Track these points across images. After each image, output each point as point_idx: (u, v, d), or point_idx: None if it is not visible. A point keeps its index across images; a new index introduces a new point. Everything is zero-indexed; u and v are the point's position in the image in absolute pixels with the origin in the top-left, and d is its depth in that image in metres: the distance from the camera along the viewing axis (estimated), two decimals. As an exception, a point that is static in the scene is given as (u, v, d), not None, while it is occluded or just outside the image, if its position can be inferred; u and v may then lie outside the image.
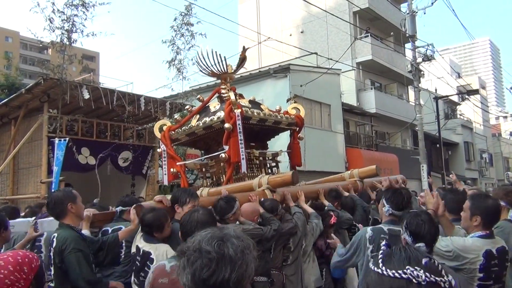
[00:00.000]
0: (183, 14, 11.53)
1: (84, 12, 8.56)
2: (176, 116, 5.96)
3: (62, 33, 8.53)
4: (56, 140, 7.39)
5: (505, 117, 66.43)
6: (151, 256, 3.13)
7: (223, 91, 5.78)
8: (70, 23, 8.50)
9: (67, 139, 7.73)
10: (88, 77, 21.92)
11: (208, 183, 5.76)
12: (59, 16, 8.46)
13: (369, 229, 3.45)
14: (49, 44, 8.65)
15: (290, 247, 4.22)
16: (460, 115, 35.62)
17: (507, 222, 3.50)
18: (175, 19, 11.69)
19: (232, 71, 5.94)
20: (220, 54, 5.72)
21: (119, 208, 4.21)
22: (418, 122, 17.29)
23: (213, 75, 5.93)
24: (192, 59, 11.90)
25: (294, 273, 4.23)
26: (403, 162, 20.93)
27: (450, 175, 6.84)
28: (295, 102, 6.65)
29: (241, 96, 5.87)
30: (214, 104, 5.82)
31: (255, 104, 5.95)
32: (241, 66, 6.02)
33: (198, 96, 6.33)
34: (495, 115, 56.56)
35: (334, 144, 18.79)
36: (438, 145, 24.52)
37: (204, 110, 5.82)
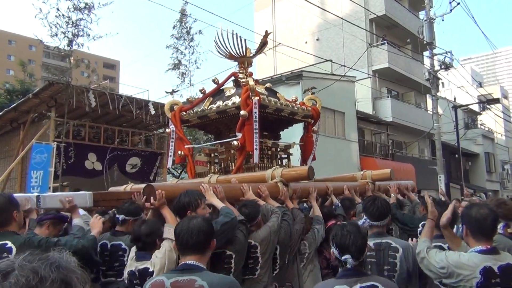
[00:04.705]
0: (179, 20, 11.53)
1: (88, 15, 8.52)
2: (188, 97, 5.75)
3: (67, 37, 8.49)
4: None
5: (529, 127, 64.66)
6: (150, 271, 2.90)
7: (240, 75, 5.58)
8: (75, 27, 8.45)
9: (53, 144, 7.65)
10: (105, 84, 22.15)
11: (216, 169, 5.57)
12: (66, 21, 8.43)
13: None
14: (54, 49, 8.64)
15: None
16: (481, 125, 34.71)
17: (502, 237, 3.18)
18: (174, 27, 11.70)
19: (251, 54, 5.75)
20: (240, 37, 5.50)
21: (121, 217, 3.70)
22: (436, 132, 16.84)
23: (231, 57, 5.72)
24: (195, 62, 11.89)
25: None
26: (420, 172, 20.39)
27: (465, 189, 6.55)
28: (312, 93, 6.32)
29: (257, 82, 5.63)
30: (229, 88, 5.63)
31: (271, 91, 5.75)
32: (261, 50, 5.81)
33: (214, 77, 6.07)
34: (518, 125, 55.02)
35: (348, 153, 18.42)
36: (457, 156, 23.88)
37: (218, 93, 5.63)
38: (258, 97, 4.92)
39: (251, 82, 5.10)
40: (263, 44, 5.74)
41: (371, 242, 3.11)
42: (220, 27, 5.55)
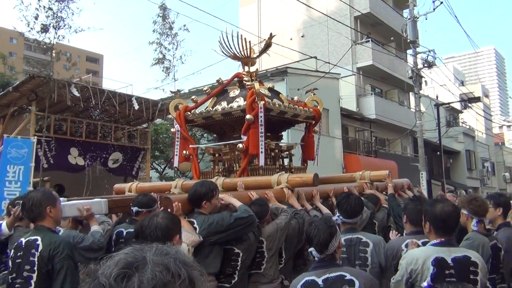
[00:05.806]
0: (160, 15, 11.50)
1: (69, 7, 8.38)
2: (193, 96, 5.78)
3: (47, 28, 8.33)
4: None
5: (509, 126, 66.02)
6: None
7: (245, 77, 5.66)
8: (56, 19, 8.30)
9: (33, 138, 7.55)
10: (88, 78, 21.84)
11: (220, 169, 5.66)
12: (46, 13, 8.27)
13: None
14: (34, 42, 8.49)
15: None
16: (462, 123, 35.28)
17: (477, 234, 3.18)
18: (154, 22, 11.64)
19: (255, 55, 5.86)
20: (245, 38, 5.63)
21: (135, 209, 3.86)
22: (418, 129, 17.04)
23: (235, 58, 5.82)
24: (181, 57, 11.87)
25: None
26: (403, 169, 20.64)
27: (440, 192, 6.63)
28: (314, 94, 6.44)
29: (260, 82, 5.72)
30: (233, 89, 5.69)
31: (274, 92, 5.84)
32: (265, 51, 5.96)
33: (218, 78, 6.07)
34: (498, 123, 56.20)
35: (332, 150, 18.53)
36: (438, 153, 24.23)
37: (221, 93, 5.70)
38: (263, 102, 5.01)
39: (257, 86, 5.19)
40: (267, 46, 5.88)
41: (342, 238, 3.17)
42: (225, 28, 5.65)
